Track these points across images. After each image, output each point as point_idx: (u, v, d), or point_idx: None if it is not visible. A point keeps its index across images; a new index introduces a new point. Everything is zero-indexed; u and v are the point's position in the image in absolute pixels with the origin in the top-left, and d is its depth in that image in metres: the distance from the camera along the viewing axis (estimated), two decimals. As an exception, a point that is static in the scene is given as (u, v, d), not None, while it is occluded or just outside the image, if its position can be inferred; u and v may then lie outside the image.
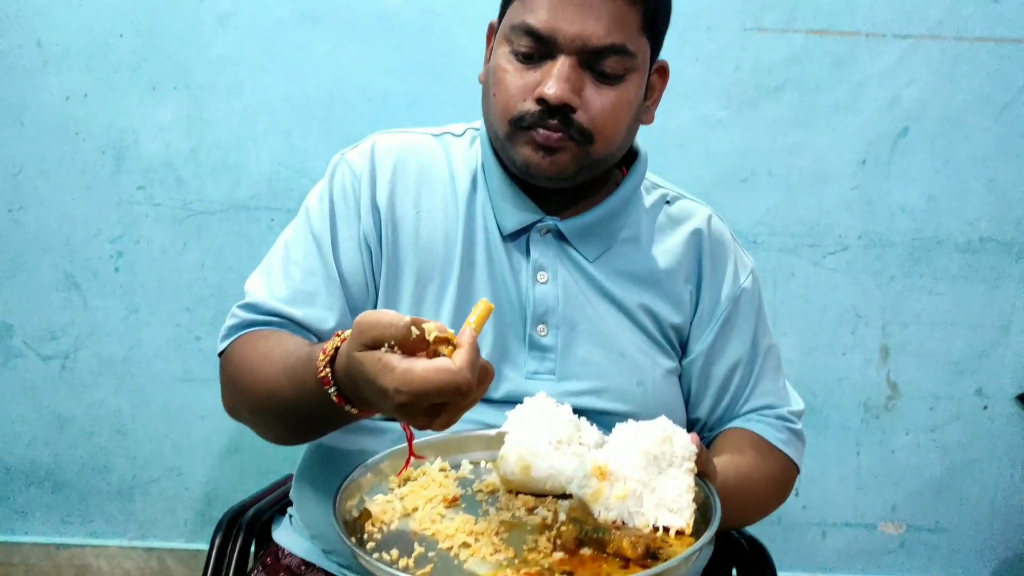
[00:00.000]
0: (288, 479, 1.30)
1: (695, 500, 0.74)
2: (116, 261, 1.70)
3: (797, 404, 1.09)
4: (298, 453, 1.10)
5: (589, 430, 0.84)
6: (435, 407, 0.67)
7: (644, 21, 0.91)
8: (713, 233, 1.05)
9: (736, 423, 1.06)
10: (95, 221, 1.69)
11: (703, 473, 0.78)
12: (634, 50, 0.90)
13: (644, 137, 1.07)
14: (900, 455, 1.78)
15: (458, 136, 1.05)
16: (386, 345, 0.66)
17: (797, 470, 1.06)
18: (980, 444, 1.78)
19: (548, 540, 0.73)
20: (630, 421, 0.79)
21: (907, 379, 1.76)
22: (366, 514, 0.78)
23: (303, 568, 1.02)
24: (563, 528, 0.72)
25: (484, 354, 0.93)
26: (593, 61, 0.89)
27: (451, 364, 0.64)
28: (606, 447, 0.77)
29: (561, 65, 0.88)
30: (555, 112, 0.88)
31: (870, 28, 1.61)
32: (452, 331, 0.69)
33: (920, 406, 1.77)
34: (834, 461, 1.78)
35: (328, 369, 0.73)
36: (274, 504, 1.21)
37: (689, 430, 1.03)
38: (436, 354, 0.67)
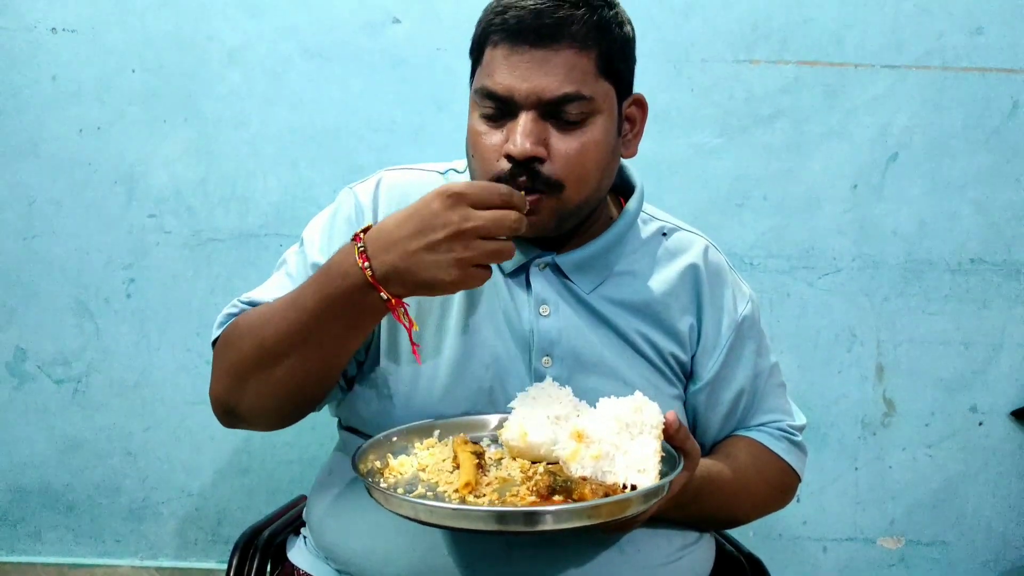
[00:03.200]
0: (300, 500, 1.43)
1: (662, 463, 0.88)
2: (128, 288, 1.86)
3: (799, 419, 1.19)
4: (308, 474, 1.24)
5: (587, 410, 0.97)
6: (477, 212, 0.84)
7: (599, 65, 0.98)
8: (710, 265, 1.14)
9: (738, 432, 1.17)
10: (107, 249, 1.83)
11: (682, 449, 0.91)
12: (591, 94, 0.98)
13: (642, 165, 1.18)
14: (897, 471, 1.91)
15: (460, 172, 1.15)
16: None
17: (798, 477, 1.16)
18: (976, 459, 1.91)
19: (528, 490, 0.88)
20: (612, 396, 0.92)
21: (902, 396, 1.89)
22: (387, 466, 0.97)
23: None
24: (538, 478, 0.88)
25: (488, 386, 1.04)
26: (553, 111, 0.97)
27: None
28: (585, 415, 0.94)
29: (523, 121, 0.96)
30: (523, 166, 0.97)
31: (859, 59, 1.76)
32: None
33: (916, 423, 1.90)
34: (832, 477, 1.92)
35: (363, 246, 0.89)
36: (288, 525, 1.31)
37: None
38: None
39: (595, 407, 0.96)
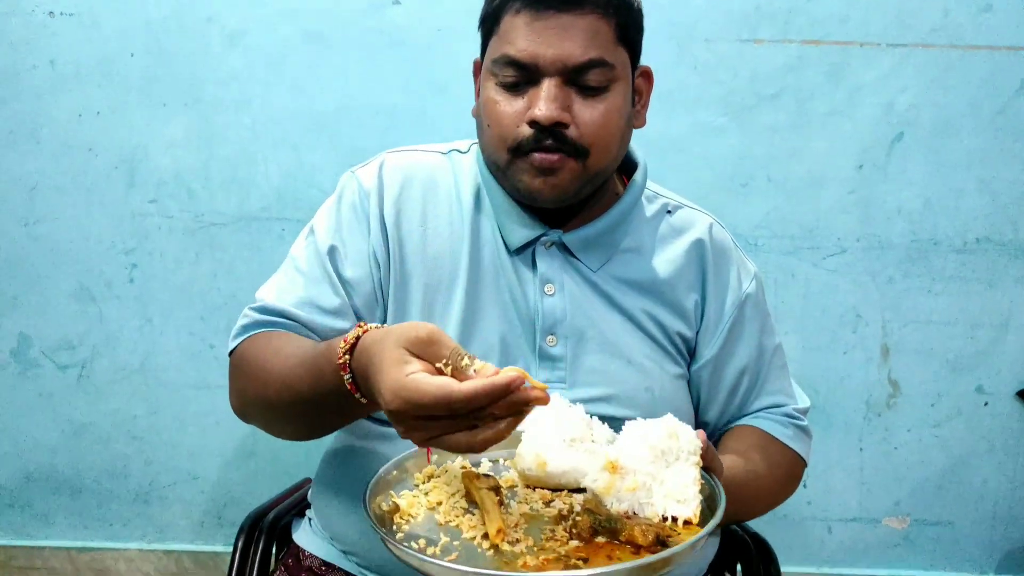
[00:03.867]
0: (305, 483, 1.45)
1: (701, 492, 0.83)
2: (130, 272, 1.87)
3: (803, 402, 1.19)
4: (313, 457, 1.23)
5: (600, 428, 0.92)
6: (428, 422, 0.73)
7: (617, 33, 1.00)
8: (715, 241, 1.14)
9: (744, 420, 1.16)
10: (109, 234, 1.85)
11: (709, 468, 0.86)
12: (613, 61, 0.99)
13: (645, 145, 1.19)
14: (902, 451, 1.93)
15: (464, 152, 1.15)
16: (442, 363, 0.74)
17: (804, 464, 1.16)
18: (981, 439, 1.93)
19: (564, 530, 0.82)
20: (639, 419, 0.87)
21: (908, 377, 1.90)
22: (394, 507, 0.87)
23: (323, 569, 1.13)
24: (578, 518, 0.81)
25: (497, 364, 1.05)
26: (576, 77, 0.98)
27: (454, 384, 0.70)
28: (616, 443, 0.87)
29: (547, 87, 0.97)
30: (549, 132, 0.98)
31: (864, 37, 1.76)
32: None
33: (921, 403, 1.91)
34: (838, 458, 1.94)
35: (347, 357, 0.82)
36: (293, 507, 1.33)
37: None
38: None
39: (601, 421, 0.95)
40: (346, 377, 0.83)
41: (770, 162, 1.82)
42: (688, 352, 1.14)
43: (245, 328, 1.07)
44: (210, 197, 1.85)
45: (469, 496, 0.89)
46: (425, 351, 0.75)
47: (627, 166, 1.17)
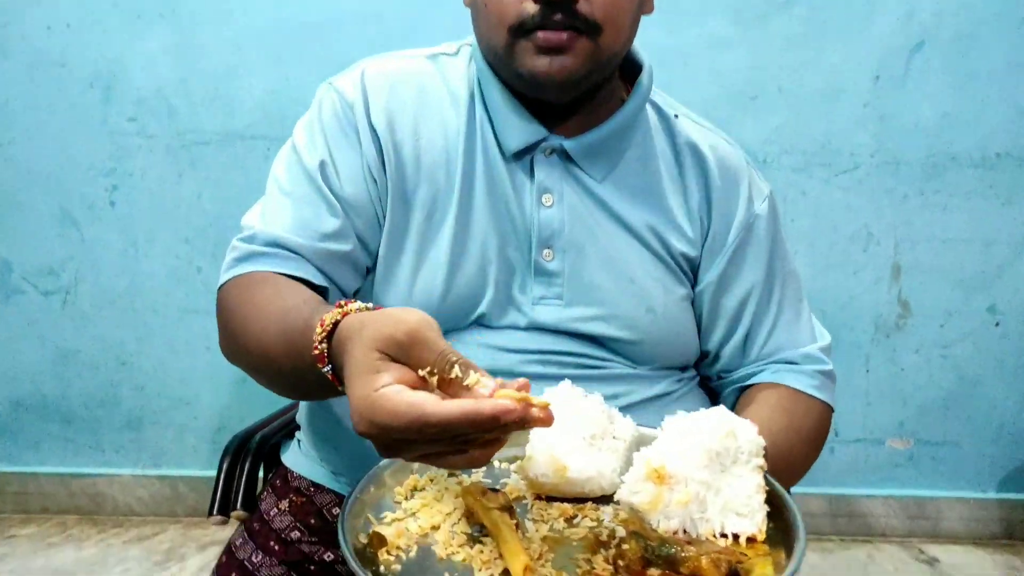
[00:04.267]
0: (294, 405, 1.37)
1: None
2: (112, 195, 1.81)
3: (823, 338, 1.10)
4: None
5: (622, 421, 0.80)
6: (407, 443, 0.62)
7: None
8: (724, 158, 1.06)
9: (763, 377, 1.08)
10: (88, 154, 1.78)
11: None
12: None
13: (650, 55, 1.10)
14: (909, 372, 1.91)
15: (452, 55, 1.06)
16: (426, 370, 0.62)
17: (832, 410, 1.08)
18: (990, 361, 1.90)
19: (606, 560, 0.65)
20: (680, 413, 0.75)
21: (918, 297, 1.87)
22: (377, 539, 0.69)
23: (312, 490, 1.08)
24: (625, 546, 0.65)
25: (490, 278, 0.98)
26: None
27: (427, 405, 0.59)
28: (657, 444, 0.71)
29: None
30: (557, 6, 0.89)
31: None
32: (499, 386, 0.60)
33: (931, 324, 1.89)
34: (844, 379, 1.85)
35: (324, 345, 0.71)
36: (281, 429, 1.28)
37: (700, 362, 1.08)
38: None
39: (601, 349, 0.86)
40: (325, 370, 0.72)
41: (781, 74, 1.74)
42: (692, 272, 1.07)
43: (235, 262, 0.98)
44: (192, 114, 1.77)
45: (469, 515, 0.72)
46: (406, 354, 0.63)
47: (630, 70, 1.08)
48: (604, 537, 0.68)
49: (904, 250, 1.86)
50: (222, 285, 0.98)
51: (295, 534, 1.07)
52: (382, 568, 0.66)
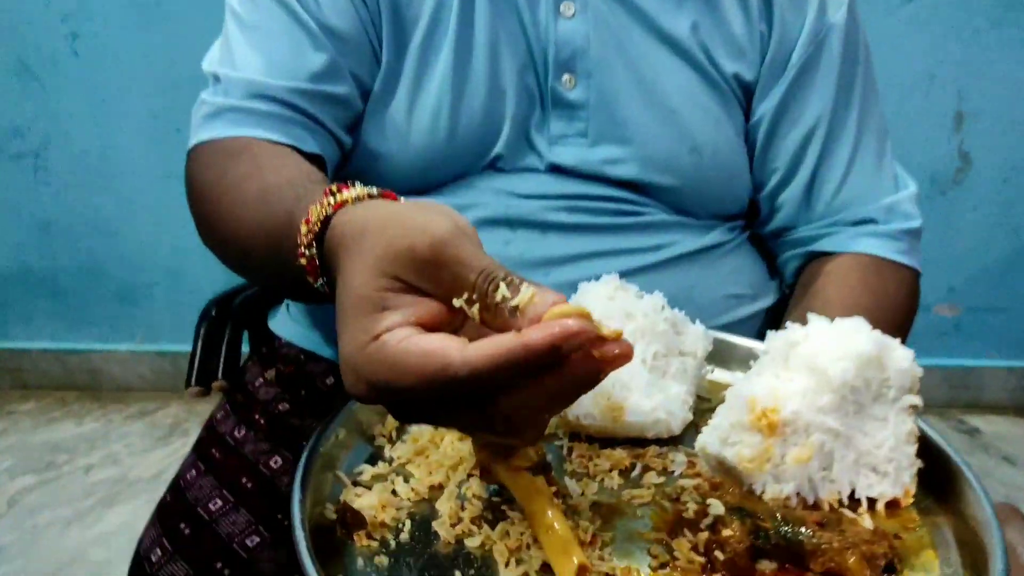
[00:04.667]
0: None
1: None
2: (73, 44, 1.64)
3: (908, 186, 0.91)
4: None
5: (692, 329, 0.61)
6: (425, 406, 0.45)
7: None
8: None
9: (838, 243, 0.90)
10: (41, -1, 1.61)
11: None
12: None
13: None
14: (964, 235, 1.78)
15: None
16: (463, 299, 0.43)
17: (919, 273, 0.91)
18: None
19: (693, 547, 0.47)
20: (790, 325, 0.55)
21: (981, 149, 1.72)
22: (352, 516, 0.49)
23: (302, 358, 0.95)
24: (726, 532, 0.46)
25: (506, 111, 0.82)
26: None
27: (451, 353, 0.41)
28: (761, 372, 0.53)
29: None
30: None
31: None
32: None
33: (993, 179, 1.74)
34: None
35: (313, 250, 0.53)
36: (266, 292, 1.12)
37: (751, 216, 0.91)
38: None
39: (629, 190, 0.71)
40: (317, 284, 0.54)
41: None
42: (748, 98, 0.88)
43: (204, 121, 0.80)
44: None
45: (485, 474, 0.51)
46: (431, 278, 0.44)
47: None
48: (690, 513, 0.49)
49: (969, 95, 1.68)
50: (190, 152, 0.80)
51: (282, 407, 0.92)
52: (360, 563, 0.46)
